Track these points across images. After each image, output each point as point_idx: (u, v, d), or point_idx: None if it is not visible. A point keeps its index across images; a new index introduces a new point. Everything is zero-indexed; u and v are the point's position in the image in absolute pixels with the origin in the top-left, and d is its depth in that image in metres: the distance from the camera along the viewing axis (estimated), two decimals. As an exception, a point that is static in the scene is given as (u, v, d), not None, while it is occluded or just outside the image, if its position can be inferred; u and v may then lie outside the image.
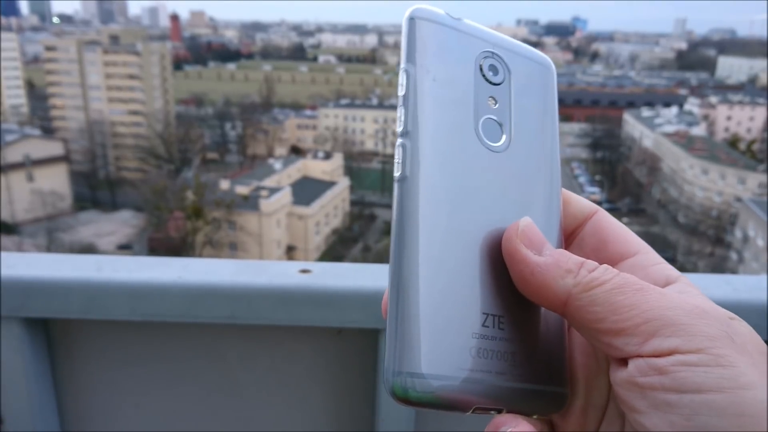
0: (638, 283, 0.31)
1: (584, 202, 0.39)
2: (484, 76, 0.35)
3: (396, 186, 0.31)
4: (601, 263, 0.32)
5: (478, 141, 0.34)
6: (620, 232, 0.38)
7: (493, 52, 0.36)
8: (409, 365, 0.29)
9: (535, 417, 0.34)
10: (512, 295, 0.34)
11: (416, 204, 0.31)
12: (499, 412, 0.32)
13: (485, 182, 0.34)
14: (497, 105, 0.35)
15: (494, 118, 0.35)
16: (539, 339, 0.35)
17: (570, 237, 0.39)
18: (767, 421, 0.26)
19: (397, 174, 0.31)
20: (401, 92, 0.32)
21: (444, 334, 0.30)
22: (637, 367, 0.29)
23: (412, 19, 0.33)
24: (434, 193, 0.31)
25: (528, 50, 0.38)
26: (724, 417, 0.26)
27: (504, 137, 0.35)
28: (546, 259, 0.32)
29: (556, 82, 0.39)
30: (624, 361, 0.30)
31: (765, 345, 0.30)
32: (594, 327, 0.31)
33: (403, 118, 0.31)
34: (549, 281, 0.32)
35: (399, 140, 0.31)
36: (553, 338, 0.35)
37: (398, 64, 0.33)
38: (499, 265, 0.33)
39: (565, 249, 0.37)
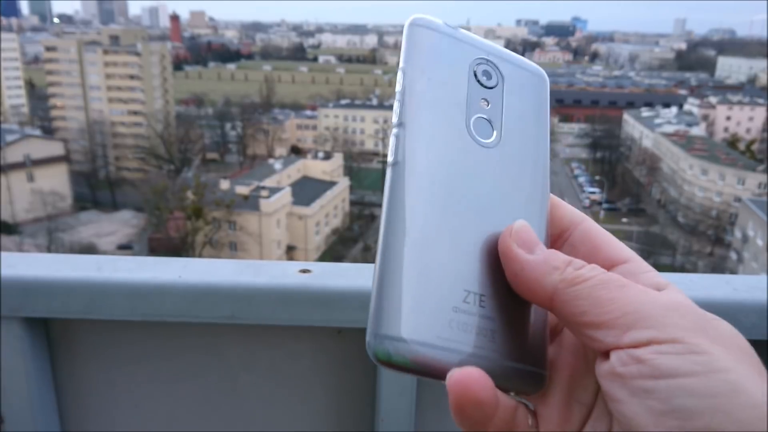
0: (621, 281, 0.33)
1: (572, 210, 0.41)
2: (477, 80, 0.37)
3: (388, 170, 0.33)
4: None
5: (468, 135, 0.36)
6: (610, 240, 0.39)
7: (487, 59, 0.38)
8: (388, 328, 0.31)
9: (512, 395, 0.35)
10: (499, 278, 0.35)
11: (404, 185, 0.32)
12: None
13: (473, 172, 0.35)
14: (489, 106, 0.37)
15: (485, 117, 0.37)
16: (521, 322, 0.36)
17: (556, 242, 0.40)
18: (741, 401, 0.27)
19: (390, 159, 0.33)
20: (398, 88, 0.34)
21: (424, 304, 0.31)
22: (618, 358, 0.31)
23: (411, 26, 0.35)
24: (423, 175, 0.33)
25: (523, 61, 0.41)
26: (698, 398, 0.28)
27: (494, 134, 0.37)
28: (536, 257, 0.34)
29: (548, 92, 0.41)
30: (606, 355, 0.32)
31: (746, 343, 0.32)
32: (578, 320, 0.33)
33: (398, 112, 0.33)
34: (537, 277, 0.34)
35: (394, 130, 0.33)
36: (535, 323, 0.37)
37: (398, 65, 0.36)
38: (483, 248, 0.35)
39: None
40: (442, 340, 0.32)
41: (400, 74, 0.34)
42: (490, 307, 0.34)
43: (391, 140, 0.34)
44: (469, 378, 0.31)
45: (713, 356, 0.29)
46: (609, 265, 0.37)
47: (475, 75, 0.37)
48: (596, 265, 0.34)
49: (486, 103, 0.37)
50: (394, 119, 0.33)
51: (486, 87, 0.37)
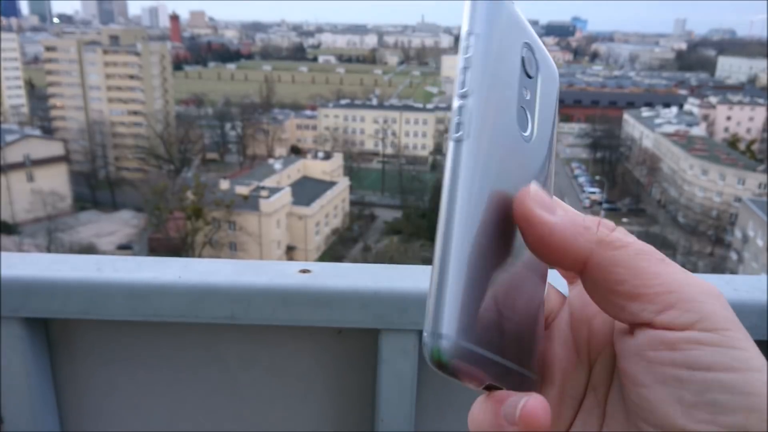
0: (659, 254, 0.31)
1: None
2: (523, 66, 0.35)
3: (452, 145, 0.30)
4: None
5: (516, 124, 0.34)
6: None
7: (530, 45, 0.35)
8: (449, 328, 0.28)
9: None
10: (512, 276, 0.33)
11: (476, 168, 0.30)
12: (497, 389, 0.31)
13: (515, 165, 0.34)
14: (528, 97, 0.35)
15: (525, 108, 0.35)
16: (526, 323, 0.35)
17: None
18: None
19: (455, 133, 0.30)
20: (467, 54, 0.31)
21: (470, 306, 0.29)
22: (648, 340, 0.29)
23: None
24: (490, 160, 0.31)
25: (547, 53, 0.38)
26: (734, 394, 0.27)
27: (529, 128, 0.35)
28: (562, 219, 0.32)
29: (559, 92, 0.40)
30: (631, 331, 0.31)
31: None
32: (612, 288, 0.31)
33: (465, 80, 0.31)
34: (569, 239, 0.31)
35: (460, 101, 0.30)
36: (534, 323, 0.35)
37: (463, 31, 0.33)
38: (509, 244, 0.33)
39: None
40: (485, 344, 0.30)
41: (469, 39, 0.31)
42: (509, 308, 0.33)
43: (455, 110, 0.30)
44: (539, 410, 0.29)
45: (751, 354, 0.28)
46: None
47: (523, 60, 0.35)
48: (624, 228, 0.32)
49: (527, 92, 0.35)
50: (460, 89, 0.30)
51: (528, 75, 0.35)
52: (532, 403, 0.29)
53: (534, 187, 0.32)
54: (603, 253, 0.31)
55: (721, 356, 0.28)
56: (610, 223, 0.32)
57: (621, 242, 0.31)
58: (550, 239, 0.31)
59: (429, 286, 0.29)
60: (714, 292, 0.30)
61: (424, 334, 0.28)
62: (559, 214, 0.32)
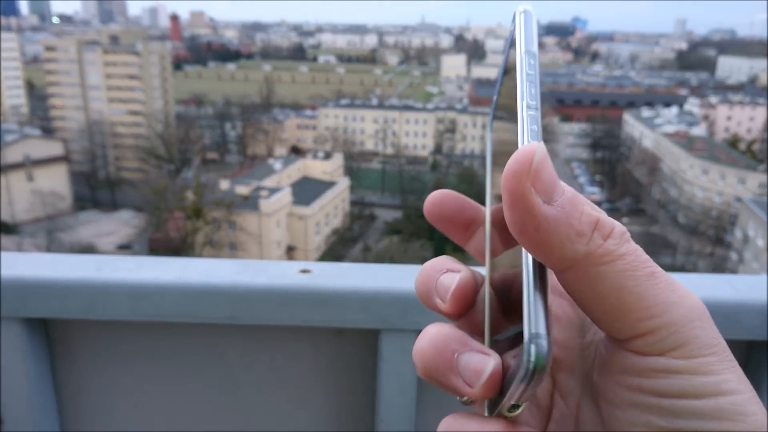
0: (648, 266, 0.28)
1: None
2: None
3: None
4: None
5: None
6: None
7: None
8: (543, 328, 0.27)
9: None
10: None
11: None
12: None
13: None
14: None
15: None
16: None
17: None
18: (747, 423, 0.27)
19: (540, 141, 0.31)
20: (531, 71, 0.32)
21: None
22: (619, 361, 0.29)
23: (528, 13, 0.34)
24: None
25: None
26: (703, 420, 0.27)
27: None
28: (556, 213, 0.28)
29: None
30: (612, 347, 0.30)
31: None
32: (589, 302, 0.29)
33: (536, 95, 0.32)
34: (555, 242, 0.28)
35: (533, 112, 0.31)
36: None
37: (509, 48, 0.35)
38: None
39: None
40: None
41: (530, 58, 0.32)
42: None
43: (529, 120, 0.30)
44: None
45: (723, 377, 0.27)
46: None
47: None
48: (623, 228, 0.29)
49: None
50: (532, 101, 0.31)
51: None
52: (497, 369, 0.29)
53: (540, 155, 0.28)
54: (587, 267, 0.28)
55: (691, 383, 0.27)
56: (607, 226, 0.29)
57: (609, 257, 0.28)
58: (533, 234, 0.28)
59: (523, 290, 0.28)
60: (698, 312, 0.29)
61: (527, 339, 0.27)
62: (557, 202, 0.28)
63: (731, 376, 0.28)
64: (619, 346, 0.29)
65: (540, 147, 0.28)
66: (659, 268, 0.29)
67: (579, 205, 0.28)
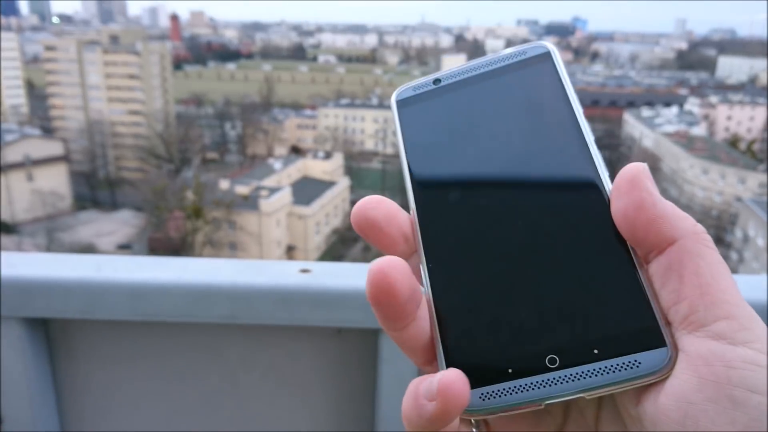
0: (732, 274, 0.30)
1: None
2: None
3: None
4: None
5: None
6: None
7: None
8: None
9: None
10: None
11: None
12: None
13: None
14: None
15: None
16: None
17: None
18: None
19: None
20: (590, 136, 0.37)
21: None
22: (700, 352, 0.28)
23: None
24: None
25: None
26: None
27: None
28: (665, 201, 0.31)
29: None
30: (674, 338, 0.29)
31: None
32: (685, 276, 0.29)
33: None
34: (671, 216, 0.30)
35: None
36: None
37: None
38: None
39: None
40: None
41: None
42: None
43: (600, 154, 0.35)
44: (457, 381, 0.28)
45: None
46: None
47: None
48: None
49: None
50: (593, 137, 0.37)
51: None
52: (449, 375, 0.28)
53: (645, 165, 0.33)
54: (695, 243, 0.30)
55: None
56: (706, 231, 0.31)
57: (711, 243, 0.30)
58: (651, 209, 0.30)
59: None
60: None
61: None
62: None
63: None
64: (695, 337, 0.28)
65: (644, 164, 0.33)
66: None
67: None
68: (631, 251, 0.31)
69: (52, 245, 28.99)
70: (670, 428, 0.27)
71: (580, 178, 0.34)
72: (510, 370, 0.30)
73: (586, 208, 0.33)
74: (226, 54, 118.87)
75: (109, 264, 0.86)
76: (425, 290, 0.33)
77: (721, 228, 37.77)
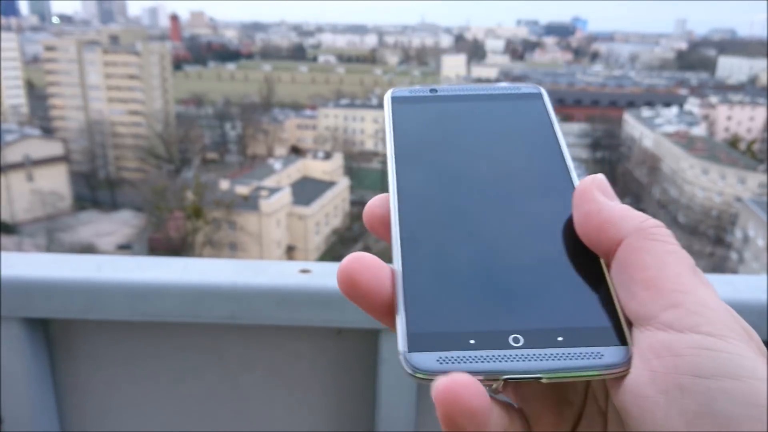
0: (692, 262, 0.31)
1: None
2: None
3: None
4: None
5: None
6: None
7: None
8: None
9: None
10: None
11: None
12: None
13: None
14: None
15: None
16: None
17: None
18: None
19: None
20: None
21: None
22: (650, 344, 0.28)
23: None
24: None
25: None
26: (740, 405, 0.25)
27: None
28: (614, 205, 0.33)
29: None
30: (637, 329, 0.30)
31: None
32: (633, 273, 0.31)
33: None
34: (613, 219, 0.32)
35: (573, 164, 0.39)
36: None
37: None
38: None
39: None
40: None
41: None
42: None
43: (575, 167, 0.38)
44: (457, 385, 0.27)
45: (756, 363, 0.27)
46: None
47: None
48: (672, 234, 0.32)
49: None
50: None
51: None
52: (445, 382, 0.27)
53: (601, 176, 0.35)
54: (638, 239, 0.31)
55: (725, 363, 0.26)
56: (660, 223, 0.33)
57: (660, 237, 0.31)
58: (595, 216, 0.33)
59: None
60: (729, 309, 0.29)
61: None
62: (614, 202, 0.34)
63: (763, 366, 0.27)
64: (647, 329, 0.29)
65: (601, 175, 0.35)
66: (699, 270, 0.31)
67: (632, 208, 0.33)
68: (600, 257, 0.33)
69: (52, 245, 28.98)
70: (634, 425, 0.28)
71: (559, 188, 0.36)
72: (472, 341, 0.30)
73: (565, 218, 0.35)
74: (226, 54, 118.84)
75: (109, 264, 0.86)
76: (396, 265, 0.33)
77: (721, 228, 37.75)
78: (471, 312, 0.31)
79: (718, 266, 33.27)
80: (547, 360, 0.30)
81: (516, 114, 0.41)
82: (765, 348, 0.29)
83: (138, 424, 0.94)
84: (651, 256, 0.30)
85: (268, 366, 0.92)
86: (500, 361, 0.30)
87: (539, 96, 0.42)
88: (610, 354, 0.30)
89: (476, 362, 0.29)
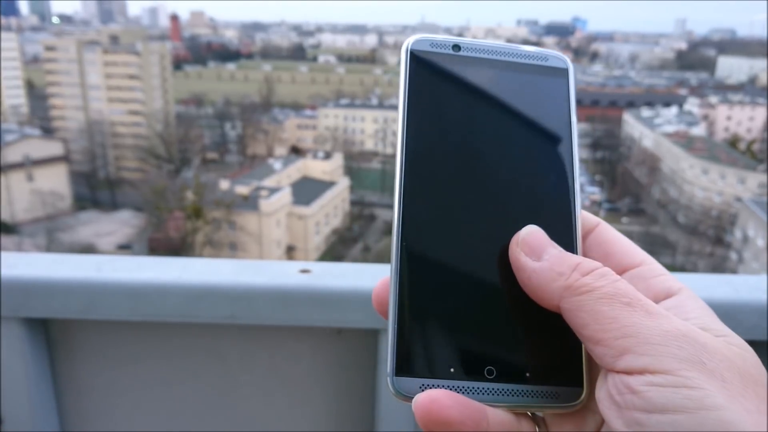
0: (629, 296, 0.32)
1: (586, 215, 0.40)
2: None
3: None
4: None
5: None
6: (623, 243, 0.39)
7: None
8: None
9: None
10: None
11: None
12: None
13: None
14: None
15: None
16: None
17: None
18: None
19: None
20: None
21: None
22: (614, 384, 0.30)
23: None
24: None
25: None
26: None
27: None
28: (542, 264, 0.34)
29: None
30: (605, 374, 0.32)
31: (759, 371, 0.31)
32: (578, 332, 0.32)
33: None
34: (542, 284, 0.33)
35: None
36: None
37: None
38: None
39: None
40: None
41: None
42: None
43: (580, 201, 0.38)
44: (432, 399, 0.30)
45: (706, 392, 0.28)
46: (621, 270, 0.36)
47: None
48: (608, 269, 0.33)
49: None
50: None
51: None
52: (422, 396, 0.31)
53: (525, 232, 0.35)
54: (569, 299, 0.32)
55: (674, 396, 0.28)
56: (588, 267, 0.33)
57: (587, 287, 0.32)
58: (527, 283, 0.34)
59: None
60: (673, 334, 0.30)
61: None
62: (545, 258, 0.34)
63: (718, 390, 0.28)
64: (611, 372, 0.31)
65: (530, 227, 0.36)
66: (645, 302, 0.31)
67: (565, 257, 0.34)
68: None
69: (52, 245, 28.97)
70: None
71: (555, 211, 0.37)
72: (452, 370, 0.33)
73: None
74: (226, 54, 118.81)
75: (109, 264, 0.86)
76: (392, 286, 0.35)
77: (720, 228, 37.74)
78: (453, 346, 0.34)
79: (718, 266, 33.26)
80: (513, 396, 0.34)
81: (536, 96, 0.40)
82: (737, 345, 0.31)
83: (138, 424, 0.94)
84: (585, 313, 0.31)
85: (268, 366, 0.92)
86: (474, 394, 0.33)
87: (564, 73, 0.41)
88: (566, 394, 0.34)
89: (453, 390, 0.33)
